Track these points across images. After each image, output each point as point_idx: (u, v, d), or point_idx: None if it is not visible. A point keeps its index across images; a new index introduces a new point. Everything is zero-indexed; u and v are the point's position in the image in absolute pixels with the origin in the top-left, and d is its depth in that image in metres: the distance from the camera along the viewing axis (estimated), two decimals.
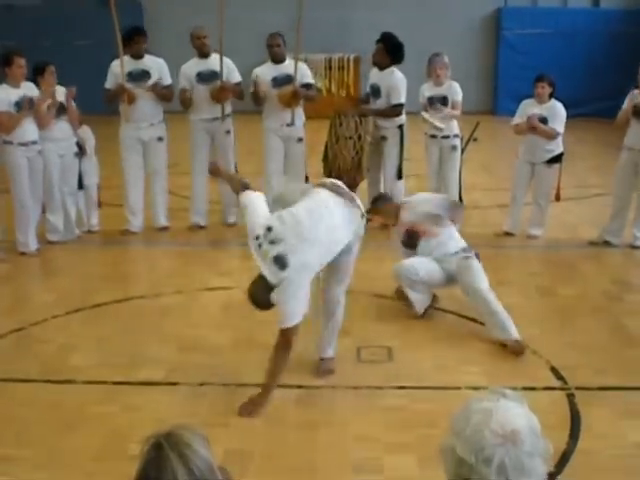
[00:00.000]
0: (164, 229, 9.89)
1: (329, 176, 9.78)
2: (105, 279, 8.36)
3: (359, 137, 9.60)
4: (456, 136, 9.83)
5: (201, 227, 9.97)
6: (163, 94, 9.63)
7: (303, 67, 9.82)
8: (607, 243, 9.24)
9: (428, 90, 9.78)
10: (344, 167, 9.63)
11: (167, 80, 9.73)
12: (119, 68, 9.50)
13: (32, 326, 7.05)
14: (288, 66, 9.65)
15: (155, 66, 9.66)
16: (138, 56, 9.56)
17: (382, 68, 9.78)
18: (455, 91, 9.73)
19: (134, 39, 9.52)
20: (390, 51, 9.75)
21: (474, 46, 18.92)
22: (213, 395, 5.78)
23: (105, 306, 7.53)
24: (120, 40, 9.35)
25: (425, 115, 9.71)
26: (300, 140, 9.76)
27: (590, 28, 18.41)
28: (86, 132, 9.71)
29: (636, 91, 9.02)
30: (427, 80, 9.88)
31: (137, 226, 9.89)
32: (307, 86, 9.73)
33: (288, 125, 9.65)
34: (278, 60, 9.67)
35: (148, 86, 9.54)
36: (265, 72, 9.70)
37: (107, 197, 10.65)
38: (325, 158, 9.73)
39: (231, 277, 8.24)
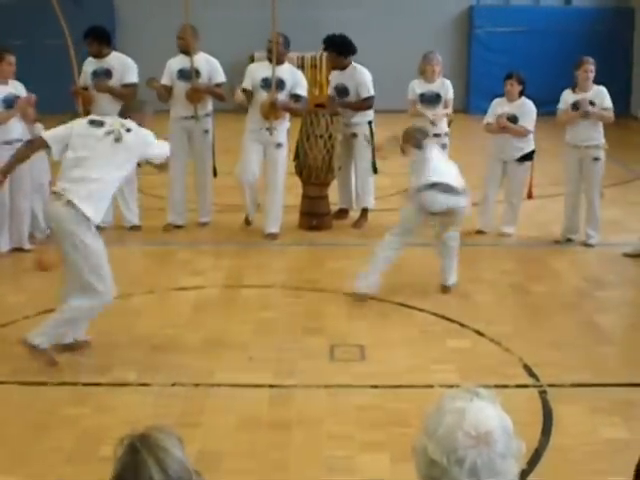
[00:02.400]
0: (136, 228, 9.79)
1: (300, 175, 9.77)
2: None
3: (330, 136, 9.60)
4: (446, 135, 9.81)
5: (178, 227, 9.83)
6: (122, 94, 9.33)
7: (299, 75, 9.53)
8: (570, 240, 9.28)
9: (419, 87, 9.71)
10: (314, 165, 9.62)
11: (130, 79, 9.54)
12: (87, 66, 9.47)
13: (2, 327, 6.97)
14: (284, 70, 9.31)
15: (118, 65, 9.52)
16: (99, 55, 9.46)
17: (343, 69, 9.74)
18: (448, 89, 9.71)
19: (87, 40, 9.42)
20: (340, 52, 9.69)
21: (446, 44, 18.86)
22: (185, 395, 5.76)
23: None
24: (70, 41, 9.10)
25: (419, 108, 9.61)
26: (279, 146, 9.38)
27: (562, 26, 18.45)
28: (39, 130, 9.57)
29: (568, 90, 9.19)
30: (419, 77, 9.81)
31: (107, 222, 9.75)
32: (297, 97, 9.36)
33: (267, 129, 9.29)
34: (277, 62, 9.20)
35: (106, 86, 9.42)
36: (258, 71, 9.45)
37: None
38: (297, 157, 9.72)
39: (203, 276, 8.21)
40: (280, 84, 9.21)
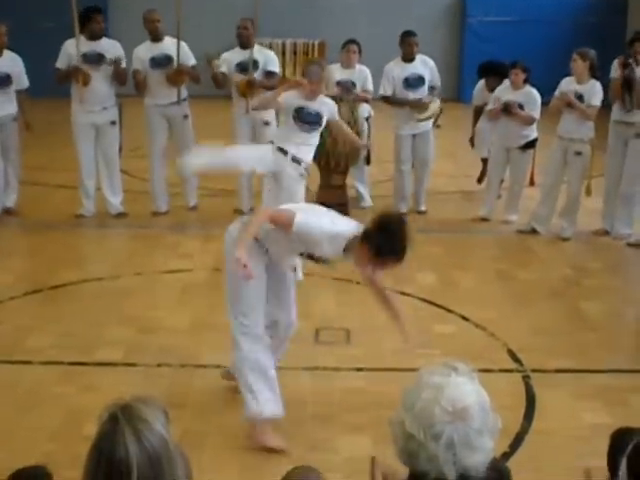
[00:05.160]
0: (122, 215, 9.67)
1: (327, 163, 9.57)
2: (64, 261, 8.27)
3: (355, 121, 9.55)
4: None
5: (163, 213, 9.81)
6: (120, 73, 9.39)
7: (270, 54, 9.75)
8: (535, 231, 9.20)
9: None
10: (344, 152, 9.50)
11: (123, 63, 9.50)
12: (73, 48, 9.25)
13: None
14: (255, 51, 9.47)
15: (111, 49, 9.42)
16: (94, 37, 9.30)
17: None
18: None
19: (91, 18, 9.25)
20: None
21: (439, 33, 18.93)
22: (171, 376, 5.76)
23: (63, 287, 7.47)
24: (76, 17, 9.13)
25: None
26: (267, 124, 9.44)
27: (555, 17, 18.49)
28: None
29: (567, 79, 9.10)
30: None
31: (91, 210, 9.69)
32: (270, 74, 9.55)
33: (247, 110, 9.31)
34: (244, 45, 9.52)
35: (110, 59, 9.32)
36: (232, 57, 9.58)
37: (61, 179, 10.72)
38: (322, 145, 9.51)
39: (191, 259, 8.22)
40: (254, 64, 9.41)
